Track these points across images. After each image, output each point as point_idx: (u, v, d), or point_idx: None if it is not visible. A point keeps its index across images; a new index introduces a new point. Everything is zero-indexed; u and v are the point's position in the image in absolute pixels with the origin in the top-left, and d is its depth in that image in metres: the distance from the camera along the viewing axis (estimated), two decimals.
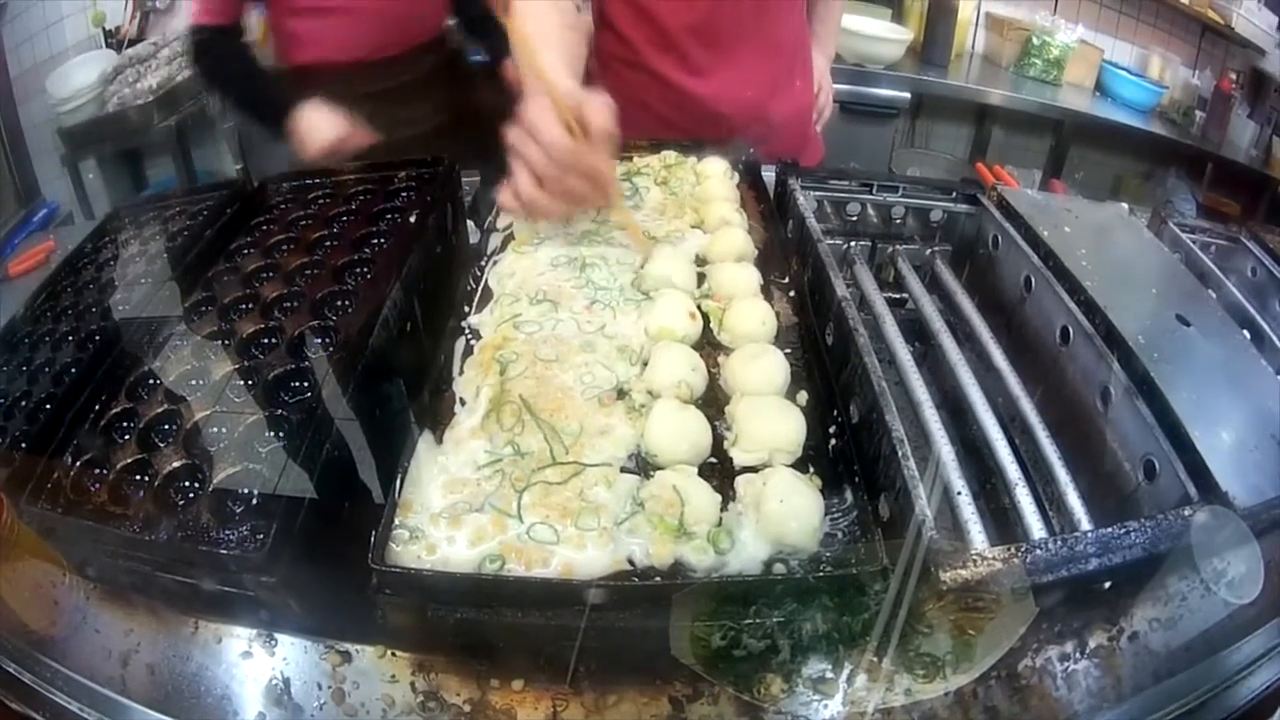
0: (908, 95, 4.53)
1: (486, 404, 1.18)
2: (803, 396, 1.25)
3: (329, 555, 1.05)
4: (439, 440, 1.15)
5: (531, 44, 1.56)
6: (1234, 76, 4.69)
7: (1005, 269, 1.78)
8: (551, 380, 1.25)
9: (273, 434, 1.16)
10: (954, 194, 1.92)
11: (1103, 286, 1.55)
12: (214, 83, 2.66)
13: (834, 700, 1.01)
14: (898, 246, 1.90)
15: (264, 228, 1.70)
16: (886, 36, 4.52)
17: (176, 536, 1.05)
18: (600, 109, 1.45)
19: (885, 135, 4.59)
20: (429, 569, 0.99)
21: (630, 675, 1.03)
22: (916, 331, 1.70)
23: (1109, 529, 1.15)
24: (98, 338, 1.40)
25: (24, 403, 1.35)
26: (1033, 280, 1.66)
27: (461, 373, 1.28)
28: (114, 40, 4.38)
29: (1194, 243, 2.02)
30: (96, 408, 1.28)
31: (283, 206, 1.78)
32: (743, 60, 2.26)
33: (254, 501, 1.06)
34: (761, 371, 1.27)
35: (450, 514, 1.04)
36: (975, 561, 1.03)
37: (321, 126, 2.35)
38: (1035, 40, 4.81)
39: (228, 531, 1.03)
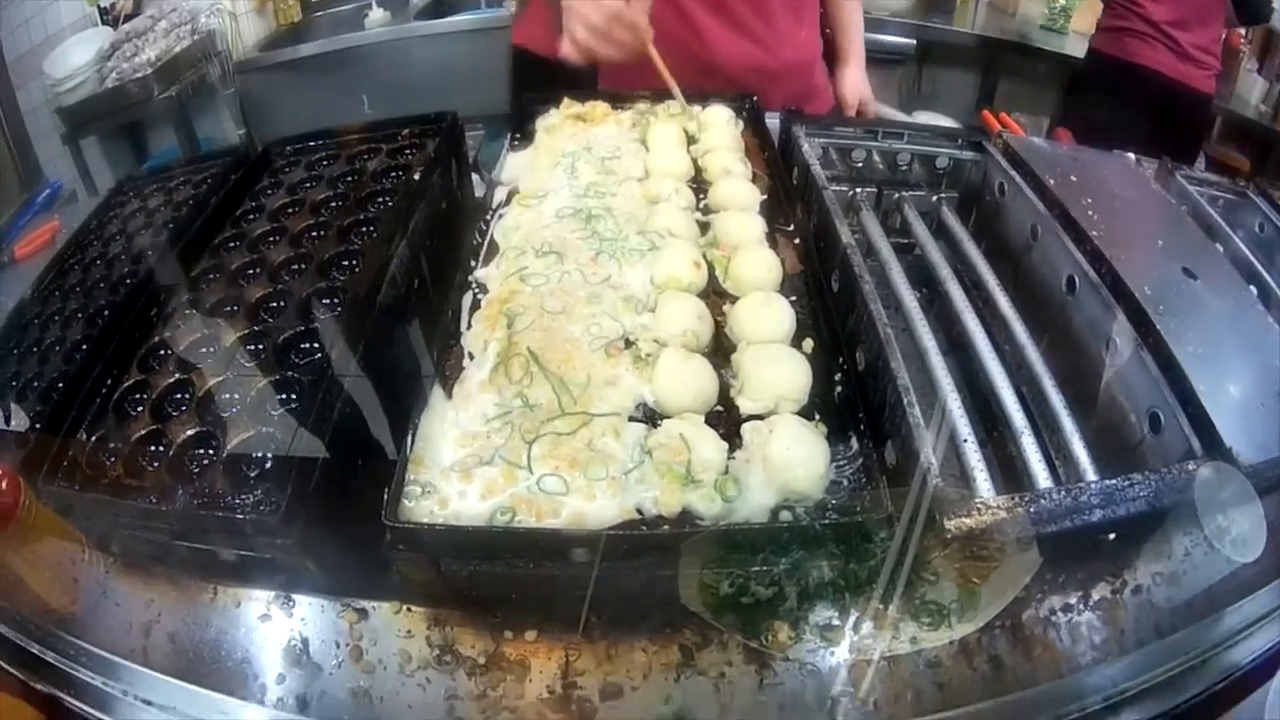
0: (913, 42, 4.53)
1: (494, 357, 1.20)
2: (808, 344, 1.26)
3: (343, 514, 1.07)
4: (449, 395, 1.17)
5: None
6: (1244, 32, 4.64)
7: (1012, 216, 1.78)
8: (558, 332, 1.27)
9: (284, 397, 1.19)
10: (960, 141, 1.92)
11: (1108, 236, 1.55)
12: None
13: (840, 647, 1.03)
14: (904, 193, 1.92)
15: (269, 192, 1.71)
16: None
17: (192, 505, 1.07)
18: None
19: (891, 82, 4.56)
20: (441, 523, 1.01)
21: (641, 624, 1.04)
22: (923, 278, 1.71)
23: (1113, 481, 1.16)
24: (107, 313, 1.41)
25: (36, 383, 1.37)
26: (1039, 228, 1.67)
27: (469, 327, 1.30)
28: (110, 17, 4.37)
29: (1201, 195, 1.99)
30: (109, 383, 1.30)
31: (287, 170, 1.79)
32: (748, 11, 2.28)
33: (268, 465, 1.09)
34: (767, 319, 1.28)
35: (461, 468, 1.06)
36: (980, 510, 1.05)
37: None
38: None
39: (243, 496, 1.06)
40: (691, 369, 1.18)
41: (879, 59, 4.13)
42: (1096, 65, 3.88)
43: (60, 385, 1.31)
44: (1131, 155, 2.11)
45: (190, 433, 1.17)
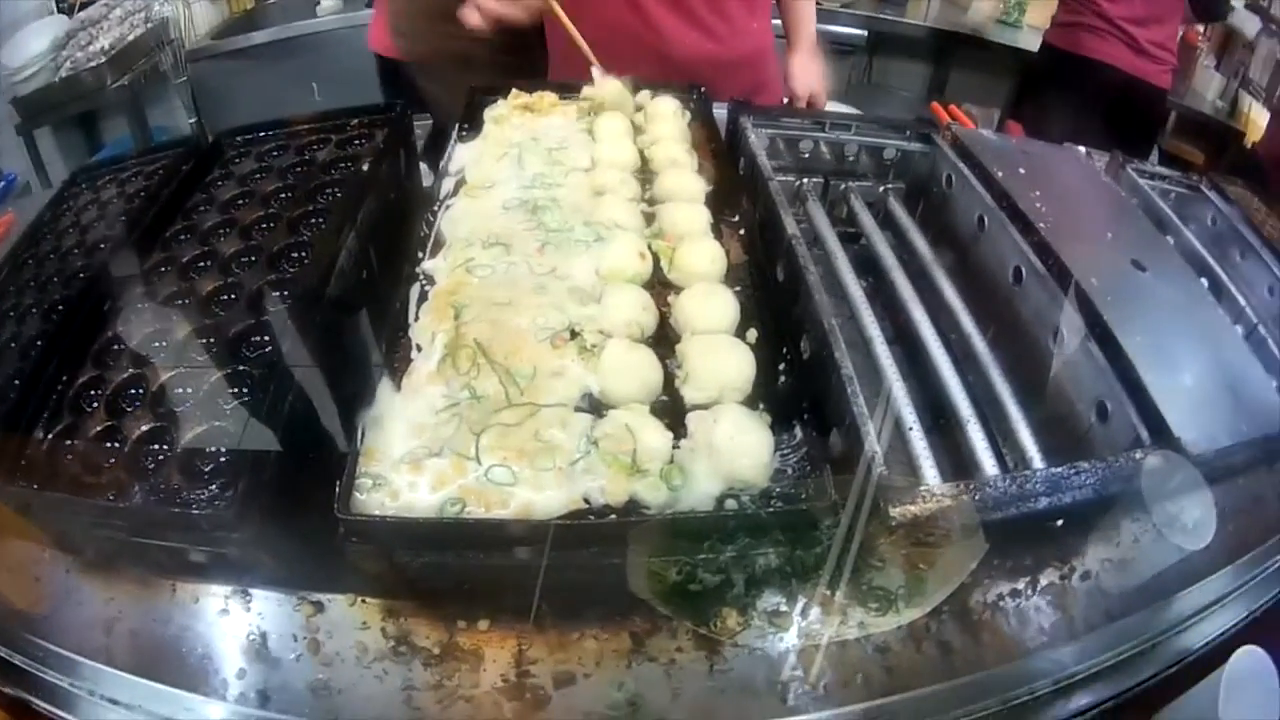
0: (864, 33, 4.58)
1: (442, 349, 1.20)
2: (753, 334, 1.28)
3: (297, 507, 1.07)
4: (398, 387, 1.17)
5: None
6: (1201, 29, 4.76)
7: (959, 208, 1.82)
8: (505, 323, 1.27)
9: (236, 390, 1.19)
10: (908, 132, 1.94)
11: (1056, 228, 1.58)
12: None
13: (789, 633, 1.04)
14: (851, 184, 1.95)
15: (219, 184, 1.70)
16: None
17: (148, 501, 1.08)
18: None
19: (841, 72, 4.61)
20: (392, 515, 1.01)
21: (591, 612, 1.05)
22: (869, 268, 1.73)
23: (1059, 469, 1.19)
24: (61, 308, 1.40)
25: None
26: (986, 220, 1.70)
27: (417, 319, 1.29)
28: (65, 5, 4.38)
29: (1153, 189, 2.04)
30: (64, 379, 1.30)
31: (237, 161, 1.79)
32: (700, 2, 2.29)
33: (221, 459, 1.09)
34: (711, 310, 1.30)
35: (411, 460, 1.06)
36: (924, 497, 1.08)
37: None
38: None
39: (197, 491, 1.06)
40: (636, 360, 1.20)
41: (830, 49, 4.18)
42: (1051, 60, 3.90)
43: (15, 383, 1.29)
44: (1082, 149, 2.12)
45: (144, 428, 1.18)
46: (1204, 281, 1.67)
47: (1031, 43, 4.22)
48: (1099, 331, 1.38)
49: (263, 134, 1.87)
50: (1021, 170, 1.78)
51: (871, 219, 1.86)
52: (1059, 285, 1.46)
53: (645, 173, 1.73)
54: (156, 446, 1.15)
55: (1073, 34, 3.70)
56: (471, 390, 1.16)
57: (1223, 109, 4.73)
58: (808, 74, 2.54)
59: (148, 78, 3.96)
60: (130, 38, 4.16)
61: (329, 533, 1.03)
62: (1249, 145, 4.44)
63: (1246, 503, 1.34)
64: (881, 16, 4.66)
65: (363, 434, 1.11)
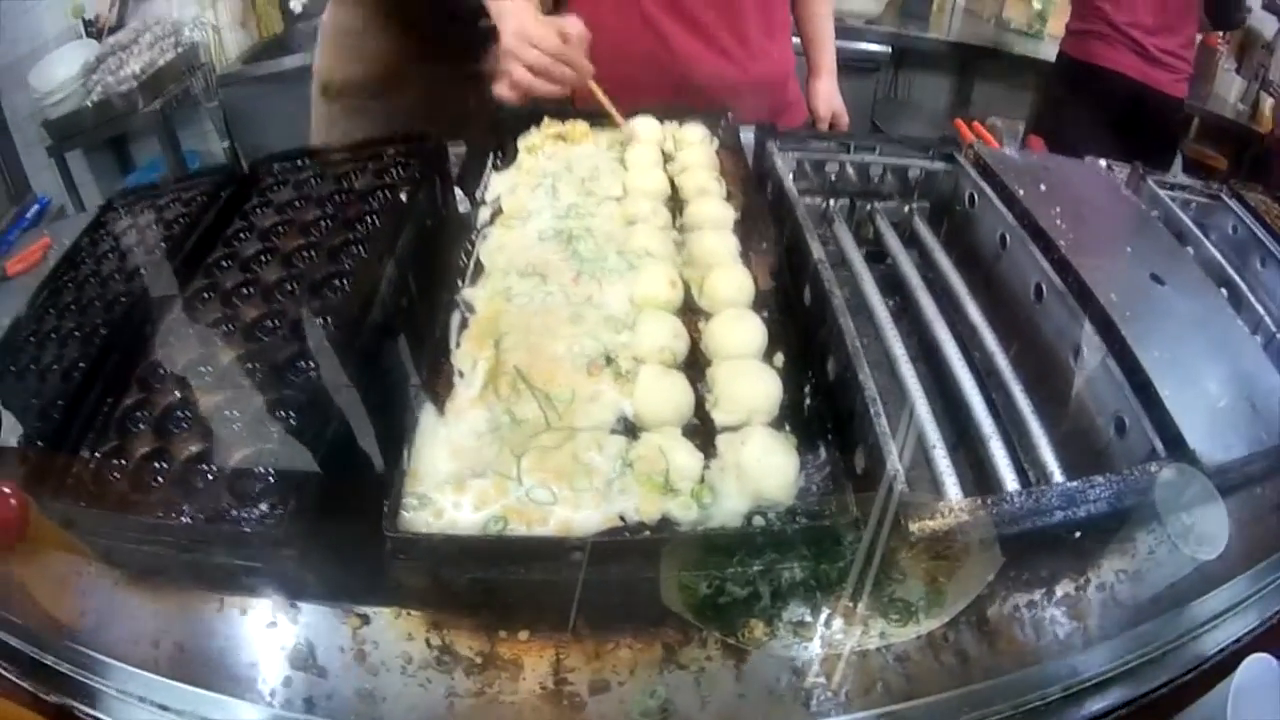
0: (889, 49, 4.56)
1: (484, 376, 1.26)
2: (779, 358, 1.32)
3: (344, 525, 1.12)
4: (441, 412, 1.22)
5: None
6: (1221, 33, 4.73)
7: (982, 226, 1.85)
8: (543, 351, 1.32)
9: (283, 414, 1.23)
10: (931, 152, 1.97)
11: (1076, 245, 1.60)
12: None
13: (813, 643, 1.08)
14: (876, 204, 1.98)
15: (258, 211, 1.74)
16: None
17: (199, 519, 1.12)
18: (576, 23, 1.93)
19: (866, 89, 4.60)
20: (439, 533, 1.07)
21: (626, 623, 1.10)
22: (895, 287, 1.75)
23: (1074, 483, 1.22)
24: (104, 331, 1.45)
25: (36, 401, 1.40)
26: (1008, 238, 1.73)
27: (459, 345, 1.34)
28: (94, 29, 4.42)
29: (1173, 200, 2.06)
30: (110, 400, 1.34)
31: (275, 189, 1.81)
32: (720, 26, 2.34)
33: (270, 480, 1.13)
34: (739, 336, 1.34)
35: (455, 480, 1.12)
36: (943, 513, 1.11)
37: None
38: None
39: (248, 510, 1.11)
40: (668, 385, 1.25)
41: (855, 67, 4.18)
42: (1064, 68, 3.94)
43: (60, 403, 1.34)
44: (1103, 162, 2.13)
45: (193, 449, 1.22)
46: (1224, 292, 1.68)
47: (1054, 53, 4.20)
48: (1117, 347, 1.41)
49: (300, 162, 1.90)
50: (1042, 187, 1.80)
51: (897, 239, 1.89)
52: (1078, 302, 1.48)
53: (676, 200, 1.77)
54: (206, 467, 1.20)
55: (1084, 42, 3.73)
56: (512, 415, 1.21)
57: (1244, 112, 4.71)
58: (830, 96, 2.59)
59: (179, 102, 4.02)
60: (161, 63, 4.23)
61: (376, 549, 1.07)
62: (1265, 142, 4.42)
63: (1264, 510, 1.36)
64: (905, 33, 4.65)
65: (408, 456, 1.15)
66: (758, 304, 1.43)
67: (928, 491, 1.29)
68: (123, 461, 1.24)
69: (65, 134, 4.14)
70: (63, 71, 4.13)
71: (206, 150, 4.34)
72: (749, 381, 1.26)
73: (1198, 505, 1.24)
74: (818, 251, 1.49)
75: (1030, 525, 1.15)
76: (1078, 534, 1.20)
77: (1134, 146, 3.22)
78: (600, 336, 1.35)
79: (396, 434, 1.20)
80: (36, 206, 2.98)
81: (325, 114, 2.75)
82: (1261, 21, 4.69)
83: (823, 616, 1.11)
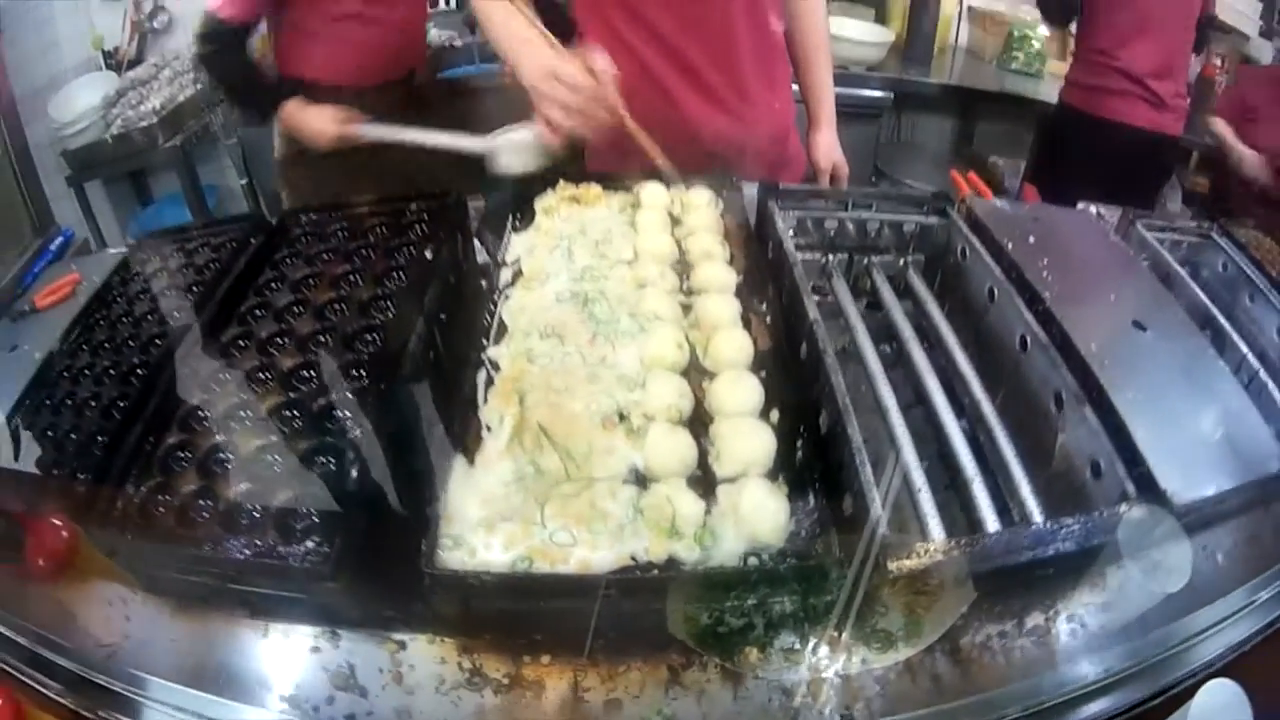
0: (891, 95, 4.58)
1: (510, 430, 1.40)
2: (775, 415, 1.44)
3: (383, 562, 1.26)
4: (471, 462, 1.35)
5: (519, 31, 2.05)
6: (1218, 62, 4.78)
7: (972, 279, 1.95)
8: (563, 408, 1.44)
9: (324, 460, 1.37)
10: (926, 208, 2.10)
11: (1060, 296, 1.70)
12: (213, 70, 2.99)
13: (801, 668, 1.21)
14: (873, 258, 2.10)
15: (289, 262, 1.87)
16: (869, 40, 4.58)
17: (246, 554, 1.24)
18: (603, 58, 1.95)
19: (870, 134, 4.63)
20: (472, 570, 1.21)
21: (636, 649, 1.23)
22: (889, 337, 1.86)
23: (1043, 526, 1.37)
24: (143, 371, 1.58)
25: (75, 435, 1.53)
26: (995, 291, 1.83)
27: (486, 401, 1.48)
28: (113, 61, 4.52)
29: (1163, 241, 2.17)
30: (152, 438, 1.45)
31: (304, 240, 1.96)
32: (722, 83, 2.46)
33: (315, 520, 1.26)
34: (739, 396, 1.47)
35: (485, 523, 1.26)
36: (919, 553, 1.23)
37: (321, 115, 2.72)
38: (1017, 33, 4.89)
39: (294, 547, 1.23)
40: (675, 441, 1.37)
41: (858, 114, 4.26)
42: (1068, 121, 3.98)
43: (101, 439, 1.46)
44: (1094, 209, 2.28)
45: (241, 487, 1.34)
46: (1207, 332, 1.77)
47: (1052, 91, 4.26)
48: (1094, 394, 1.51)
49: (327, 215, 2.03)
50: (1031, 239, 1.91)
51: (891, 291, 1.99)
52: (1060, 352, 1.57)
53: (683, 262, 1.88)
54: (252, 506, 1.31)
55: (1094, 96, 3.74)
56: (536, 466, 1.35)
57: None
58: (830, 148, 2.67)
59: (198, 138, 4.09)
60: (180, 99, 4.29)
61: (413, 583, 1.20)
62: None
63: (1239, 541, 1.49)
64: (907, 78, 4.69)
65: (443, 501, 1.29)
66: (757, 363, 1.56)
67: (913, 531, 1.42)
68: (169, 498, 1.35)
69: (84, 164, 4.22)
70: (83, 103, 4.22)
71: (224, 185, 4.41)
72: (746, 438, 1.38)
73: (1163, 542, 1.36)
74: (813, 312, 1.58)
75: (1000, 563, 1.28)
76: (1047, 570, 1.32)
77: (1134, 190, 3.37)
78: (614, 394, 1.48)
79: (429, 480, 1.32)
80: (61, 239, 2.98)
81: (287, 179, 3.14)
82: (1259, 48, 4.77)
83: (810, 644, 1.23)
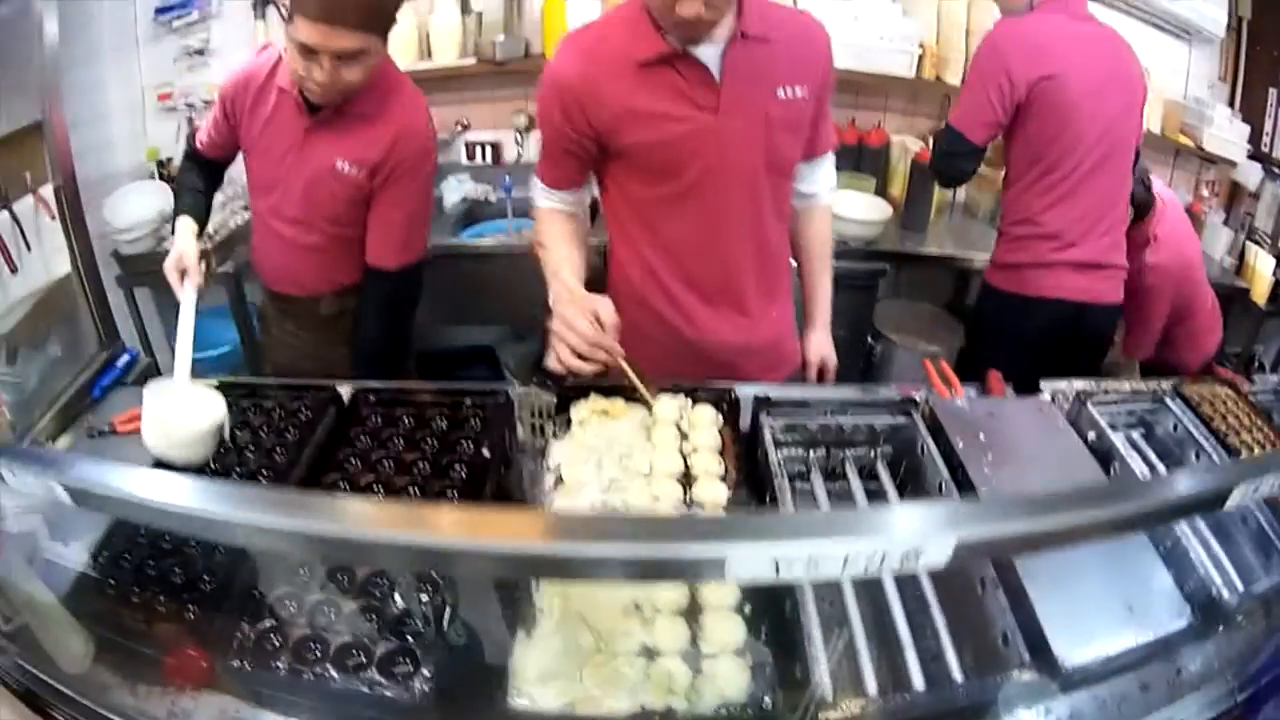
0: (886, 267, 4.94)
1: (558, 614, 1.82)
2: (747, 607, 1.87)
3: (465, 703, 1.72)
4: (529, 635, 1.80)
5: (552, 265, 2.66)
6: (1205, 193, 5.43)
7: (928, 474, 2.38)
8: (597, 601, 1.85)
9: (412, 622, 1.85)
10: (893, 409, 2.54)
11: (995, 490, 2.12)
12: (181, 176, 3.57)
13: None
14: (848, 451, 2.55)
15: (360, 439, 2.39)
16: (869, 219, 4.96)
17: (362, 688, 1.71)
18: (608, 307, 2.43)
19: (868, 300, 5.03)
20: (532, 712, 1.68)
21: None
22: None
23: (938, 689, 1.77)
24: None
25: (200, 587, 1.96)
26: (943, 487, 2.25)
27: (538, 588, 1.86)
28: (165, 173, 5.02)
29: (1117, 414, 2.62)
30: (258, 592, 1.92)
31: (373, 420, 2.47)
32: (727, 298, 2.93)
33: (408, 665, 1.74)
34: (721, 595, 1.91)
35: (541, 679, 1.71)
36: (842, 709, 1.66)
37: (181, 240, 3.16)
38: None
39: (394, 684, 1.72)
40: (674, 628, 1.86)
41: (857, 286, 4.75)
42: (997, 304, 4.04)
43: (216, 594, 1.91)
44: (1048, 394, 2.73)
45: (342, 641, 1.80)
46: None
47: None
48: (1006, 580, 1.87)
49: (393, 397, 2.57)
50: (981, 436, 2.36)
51: (860, 483, 2.49)
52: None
53: (687, 475, 2.27)
54: (358, 652, 1.78)
55: (1016, 274, 3.90)
56: (577, 642, 1.77)
57: (1231, 265, 5.29)
58: (820, 345, 3.21)
59: (249, 264, 4.35)
60: (232, 224, 4.85)
61: (490, 718, 1.66)
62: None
63: (1132, 691, 1.81)
64: (904, 250, 4.98)
65: (511, 663, 1.73)
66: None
67: (851, 689, 1.79)
68: (281, 641, 1.81)
69: (135, 271, 4.70)
70: (138, 213, 4.71)
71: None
72: (723, 627, 1.84)
73: (1044, 700, 1.74)
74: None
75: (908, 717, 1.69)
76: None
77: (1079, 362, 3.73)
78: (633, 595, 1.87)
79: (501, 646, 1.78)
80: (127, 357, 3.34)
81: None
82: (1246, 173, 5.30)
83: None
